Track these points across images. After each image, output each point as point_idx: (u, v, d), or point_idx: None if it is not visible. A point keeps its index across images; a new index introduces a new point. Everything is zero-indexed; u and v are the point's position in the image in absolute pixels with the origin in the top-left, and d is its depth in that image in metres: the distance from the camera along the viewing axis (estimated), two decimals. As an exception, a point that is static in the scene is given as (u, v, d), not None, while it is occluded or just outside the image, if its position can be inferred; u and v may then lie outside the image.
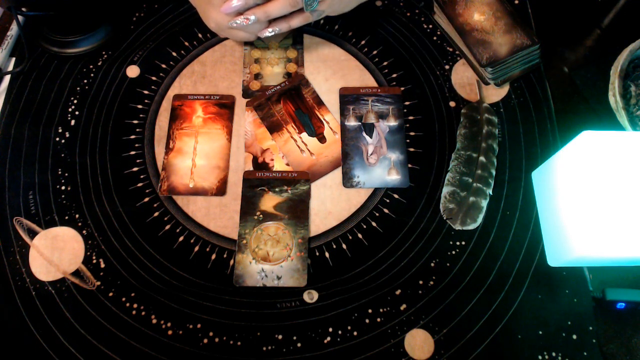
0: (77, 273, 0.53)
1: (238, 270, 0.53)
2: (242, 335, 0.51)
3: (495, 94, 0.62)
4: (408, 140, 0.60)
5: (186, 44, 0.66)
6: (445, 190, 0.57)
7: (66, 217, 0.56)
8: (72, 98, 0.62)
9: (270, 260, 0.53)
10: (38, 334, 0.51)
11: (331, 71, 0.64)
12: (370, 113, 0.61)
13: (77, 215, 0.56)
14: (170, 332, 0.51)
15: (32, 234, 0.55)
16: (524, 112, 0.61)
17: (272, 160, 0.59)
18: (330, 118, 0.61)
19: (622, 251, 0.44)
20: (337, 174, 0.58)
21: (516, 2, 0.69)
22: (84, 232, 0.55)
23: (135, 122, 0.61)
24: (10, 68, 0.65)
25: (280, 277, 0.52)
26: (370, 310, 0.52)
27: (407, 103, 0.62)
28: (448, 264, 0.54)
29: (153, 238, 0.55)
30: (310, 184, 0.57)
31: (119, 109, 0.62)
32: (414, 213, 0.56)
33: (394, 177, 0.58)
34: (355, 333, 0.51)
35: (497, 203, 0.56)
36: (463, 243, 0.55)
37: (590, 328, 0.50)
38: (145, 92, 0.63)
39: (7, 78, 0.64)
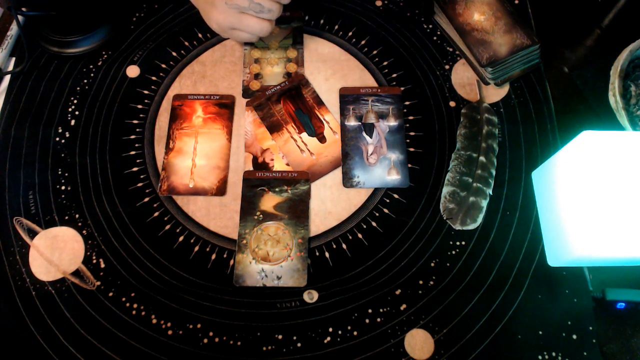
0: (77, 273, 0.53)
1: (238, 270, 0.53)
2: (242, 335, 0.51)
3: (495, 94, 0.62)
4: (408, 140, 0.60)
5: (186, 44, 0.66)
6: (445, 190, 0.57)
7: (66, 217, 0.56)
8: (72, 98, 0.62)
9: (270, 260, 0.53)
10: (38, 334, 0.51)
11: (331, 71, 0.64)
12: (370, 113, 0.61)
13: (77, 215, 0.56)
14: (170, 332, 0.51)
15: (32, 234, 0.55)
16: (524, 112, 0.61)
17: (272, 160, 0.59)
18: (330, 118, 0.61)
19: (622, 251, 0.44)
20: (337, 174, 0.58)
21: (516, 2, 0.69)
22: (84, 232, 0.55)
23: (135, 122, 0.61)
24: (10, 68, 0.65)
25: (280, 277, 0.52)
26: (370, 310, 0.52)
27: (407, 103, 0.62)
28: (448, 264, 0.54)
29: (153, 238, 0.55)
30: (310, 184, 0.57)
31: (119, 109, 0.62)
32: (414, 213, 0.56)
33: (394, 177, 0.58)
34: (355, 333, 0.51)
35: (497, 203, 0.56)
36: (463, 243, 0.55)
37: (590, 328, 0.50)
38: (145, 92, 0.63)
39: (7, 78, 0.64)
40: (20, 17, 0.62)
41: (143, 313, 0.52)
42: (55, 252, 0.54)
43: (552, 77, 0.64)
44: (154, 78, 0.64)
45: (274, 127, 0.61)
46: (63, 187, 0.57)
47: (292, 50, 0.65)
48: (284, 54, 0.65)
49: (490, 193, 0.56)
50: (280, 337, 0.51)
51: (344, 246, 0.55)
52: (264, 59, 0.65)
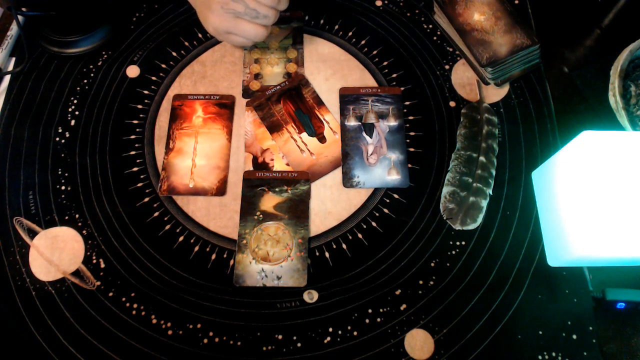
0: (77, 273, 0.53)
1: (238, 270, 0.53)
2: (242, 335, 0.51)
3: (495, 94, 0.62)
4: (408, 140, 0.60)
5: (186, 44, 0.66)
6: (445, 190, 0.57)
7: (66, 217, 0.56)
8: (72, 98, 0.62)
9: (270, 260, 0.53)
10: (38, 334, 0.51)
11: (331, 71, 0.64)
12: (370, 113, 0.61)
13: (77, 215, 0.56)
14: (170, 332, 0.51)
15: (32, 234, 0.55)
16: (524, 112, 0.61)
17: (272, 160, 0.59)
18: (330, 118, 0.61)
19: (622, 251, 0.44)
20: (337, 174, 0.58)
21: (516, 2, 0.69)
22: (84, 232, 0.55)
23: (135, 122, 0.61)
24: (10, 68, 0.65)
25: (280, 277, 0.52)
26: (370, 310, 0.52)
27: (407, 103, 0.62)
28: (448, 264, 0.53)
29: (153, 238, 0.55)
30: (310, 184, 0.57)
31: (119, 109, 0.62)
32: (414, 213, 0.56)
33: (394, 177, 0.58)
34: (355, 333, 0.51)
35: (497, 203, 0.56)
36: (463, 243, 0.55)
37: (590, 328, 0.50)
38: (145, 92, 0.63)
39: (7, 78, 0.64)
40: (20, 17, 0.62)
41: (143, 313, 0.52)
42: (55, 252, 0.54)
43: (552, 77, 0.64)
44: (154, 78, 0.64)
45: (274, 127, 0.61)
46: (63, 187, 0.57)
47: (292, 50, 0.65)
48: (284, 54, 0.65)
49: (490, 193, 0.56)
50: (280, 337, 0.51)
51: (344, 246, 0.55)
52: (264, 59, 0.65)
